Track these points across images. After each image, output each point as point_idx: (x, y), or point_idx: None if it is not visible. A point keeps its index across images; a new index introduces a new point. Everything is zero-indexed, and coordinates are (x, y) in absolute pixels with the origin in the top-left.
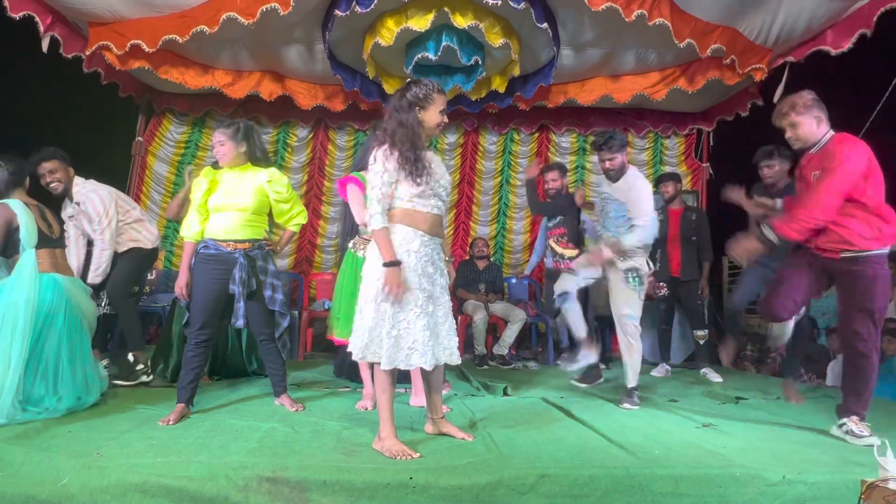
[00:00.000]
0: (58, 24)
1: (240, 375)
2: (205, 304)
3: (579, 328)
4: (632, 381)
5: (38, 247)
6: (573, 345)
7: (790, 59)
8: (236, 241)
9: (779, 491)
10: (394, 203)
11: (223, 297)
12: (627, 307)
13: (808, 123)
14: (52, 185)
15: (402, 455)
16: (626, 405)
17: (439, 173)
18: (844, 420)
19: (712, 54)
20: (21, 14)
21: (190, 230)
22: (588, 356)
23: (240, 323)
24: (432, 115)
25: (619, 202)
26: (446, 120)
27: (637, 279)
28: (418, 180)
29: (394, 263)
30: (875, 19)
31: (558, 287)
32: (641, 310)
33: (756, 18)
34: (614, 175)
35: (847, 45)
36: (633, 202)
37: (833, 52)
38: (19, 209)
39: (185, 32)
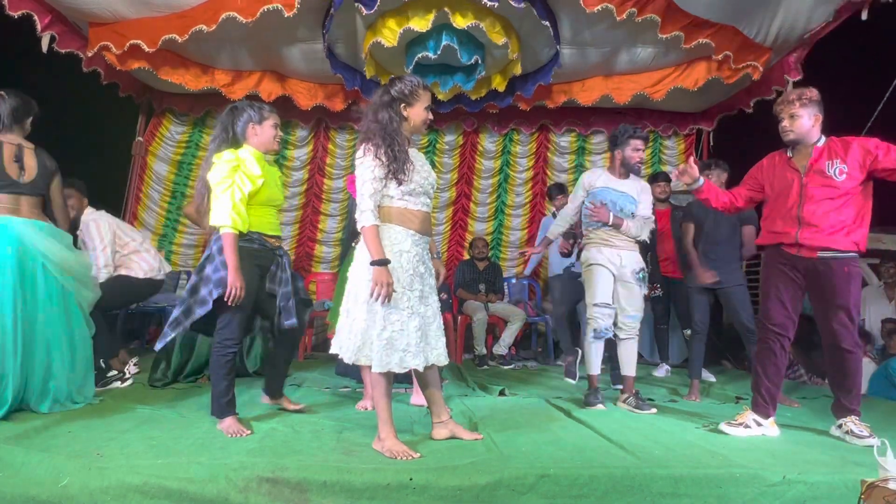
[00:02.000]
0: (57, 23)
1: (239, 376)
2: (248, 305)
3: (597, 366)
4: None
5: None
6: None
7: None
8: (277, 238)
9: (779, 491)
10: (384, 202)
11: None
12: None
13: (807, 118)
14: None
15: (403, 455)
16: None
17: (425, 171)
18: (843, 420)
19: (697, 48)
20: (20, 13)
21: (238, 219)
22: (599, 398)
23: (293, 322)
24: (418, 112)
25: (632, 199)
26: (431, 116)
27: (645, 277)
28: (402, 177)
29: (382, 262)
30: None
31: (600, 320)
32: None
33: (756, 18)
34: (639, 169)
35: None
36: (646, 203)
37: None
38: None
39: (185, 32)
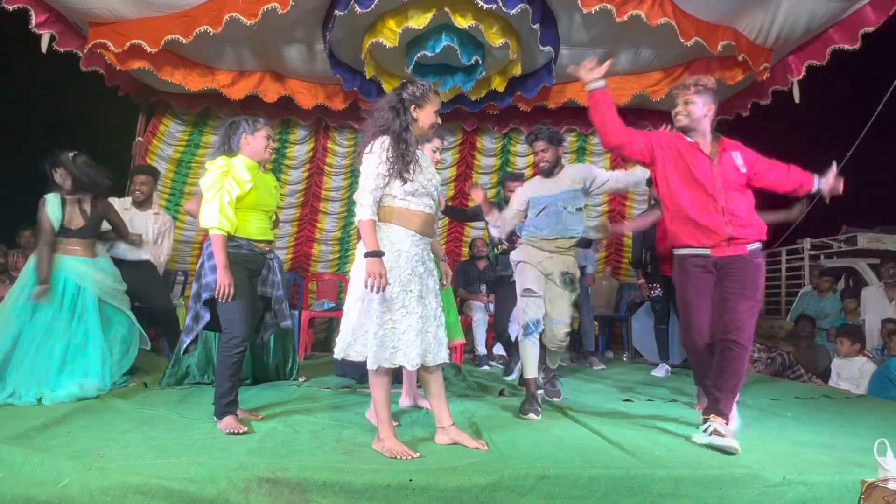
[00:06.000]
0: (56, 22)
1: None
2: (249, 306)
3: (533, 368)
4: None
5: (58, 234)
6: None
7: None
8: (267, 242)
9: (779, 492)
10: (386, 201)
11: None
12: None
13: (700, 105)
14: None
15: (402, 455)
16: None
17: (430, 172)
18: (710, 422)
19: (724, 51)
20: (15, 6)
21: (226, 221)
22: (535, 407)
23: (287, 323)
24: (427, 115)
25: (574, 190)
26: (440, 121)
27: (573, 280)
28: (408, 177)
29: (376, 254)
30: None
31: (527, 312)
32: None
33: (756, 18)
34: (548, 170)
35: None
36: (599, 173)
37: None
38: (50, 204)
39: (189, 33)
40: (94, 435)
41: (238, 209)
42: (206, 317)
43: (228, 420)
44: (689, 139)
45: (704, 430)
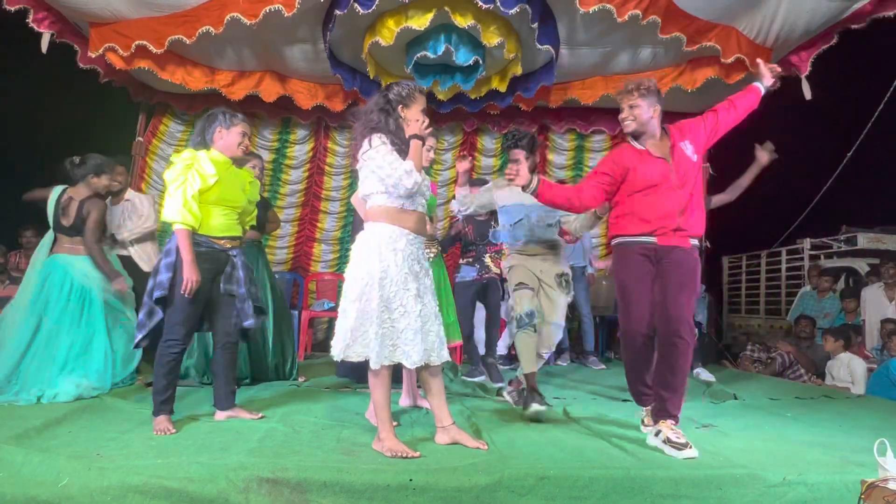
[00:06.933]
0: (57, 22)
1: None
2: (197, 309)
3: (532, 362)
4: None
5: (55, 231)
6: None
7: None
8: (231, 239)
9: (779, 492)
10: (380, 200)
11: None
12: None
13: (646, 108)
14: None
15: (403, 454)
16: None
17: (422, 172)
18: (661, 426)
19: (700, 52)
20: (17, 7)
21: (189, 216)
22: (539, 399)
23: (250, 322)
24: (414, 114)
25: (544, 207)
26: (427, 120)
27: (568, 283)
28: None
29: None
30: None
31: (520, 304)
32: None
33: (756, 18)
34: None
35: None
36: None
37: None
38: (51, 196)
39: (192, 33)
40: (94, 435)
41: (200, 204)
42: (160, 314)
43: (161, 419)
44: (638, 146)
45: (656, 436)
